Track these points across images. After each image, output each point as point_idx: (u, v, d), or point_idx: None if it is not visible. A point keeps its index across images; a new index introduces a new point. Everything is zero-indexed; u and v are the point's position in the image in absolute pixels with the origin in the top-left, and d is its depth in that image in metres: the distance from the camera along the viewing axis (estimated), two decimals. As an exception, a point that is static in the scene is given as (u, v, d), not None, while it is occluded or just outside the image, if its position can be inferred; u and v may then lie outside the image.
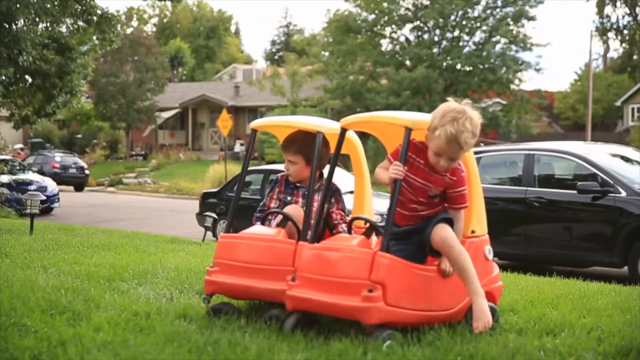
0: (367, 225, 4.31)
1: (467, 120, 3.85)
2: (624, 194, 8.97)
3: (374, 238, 4.17)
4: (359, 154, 4.89)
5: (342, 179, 6.52)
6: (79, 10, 14.75)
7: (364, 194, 4.90)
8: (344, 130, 4.31)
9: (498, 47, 35.03)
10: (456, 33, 35.51)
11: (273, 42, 74.03)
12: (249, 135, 4.70)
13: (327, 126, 4.51)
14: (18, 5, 13.45)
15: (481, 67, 34.15)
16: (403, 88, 32.90)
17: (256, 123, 4.76)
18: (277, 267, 4.17)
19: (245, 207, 10.24)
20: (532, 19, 35.03)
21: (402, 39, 36.99)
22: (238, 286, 4.25)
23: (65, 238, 8.89)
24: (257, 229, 4.50)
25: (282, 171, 4.91)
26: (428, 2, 35.01)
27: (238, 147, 39.96)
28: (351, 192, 4.86)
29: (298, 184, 4.72)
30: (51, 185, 21.07)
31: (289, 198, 4.71)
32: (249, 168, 5.22)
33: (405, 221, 4.08)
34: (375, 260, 3.74)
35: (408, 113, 4.22)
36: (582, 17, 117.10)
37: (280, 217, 4.50)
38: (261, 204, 4.85)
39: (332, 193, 4.67)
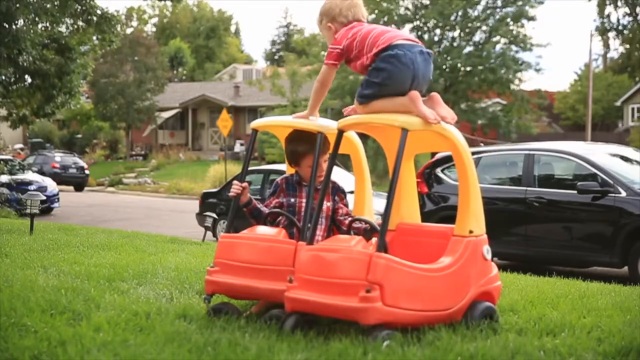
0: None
1: None
2: (624, 194, 8.96)
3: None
4: (359, 154, 4.88)
5: (342, 179, 6.52)
6: (78, 10, 14.74)
7: (364, 194, 4.89)
8: (341, 132, 4.32)
9: (498, 47, 34.98)
10: (456, 33, 35.49)
11: (273, 42, 73.88)
12: (249, 135, 4.71)
13: (328, 126, 4.51)
14: (18, 5, 13.45)
15: (481, 67, 34.12)
16: (403, 88, 32.84)
17: (257, 123, 4.75)
18: (278, 267, 4.17)
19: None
20: (532, 19, 34.97)
21: (402, 39, 36.95)
22: (238, 286, 4.26)
23: (65, 238, 8.88)
24: (257, 229, 4.50)
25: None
26: (428, 2, 34.99)
27: (238, 147, 39.91)
28: (351, 192, 4.86)
29: (304, 183, 4.70)
30: (51, 185, 21.03)
31: (292, 200, 4.69)
32: (249, 168, 5.20)
33: None
34: (372, 261, 3.74)
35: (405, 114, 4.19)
36: (582, 17, 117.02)
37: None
38: None
39: (336, 191, 4.69)
